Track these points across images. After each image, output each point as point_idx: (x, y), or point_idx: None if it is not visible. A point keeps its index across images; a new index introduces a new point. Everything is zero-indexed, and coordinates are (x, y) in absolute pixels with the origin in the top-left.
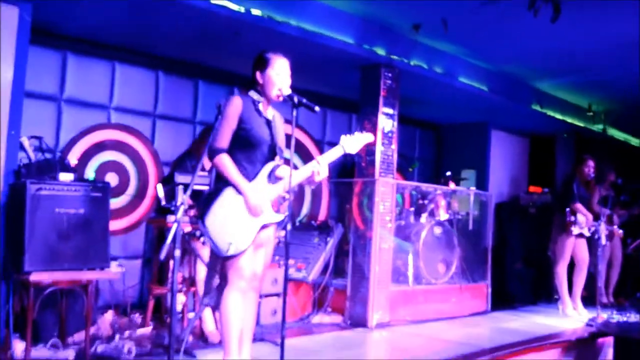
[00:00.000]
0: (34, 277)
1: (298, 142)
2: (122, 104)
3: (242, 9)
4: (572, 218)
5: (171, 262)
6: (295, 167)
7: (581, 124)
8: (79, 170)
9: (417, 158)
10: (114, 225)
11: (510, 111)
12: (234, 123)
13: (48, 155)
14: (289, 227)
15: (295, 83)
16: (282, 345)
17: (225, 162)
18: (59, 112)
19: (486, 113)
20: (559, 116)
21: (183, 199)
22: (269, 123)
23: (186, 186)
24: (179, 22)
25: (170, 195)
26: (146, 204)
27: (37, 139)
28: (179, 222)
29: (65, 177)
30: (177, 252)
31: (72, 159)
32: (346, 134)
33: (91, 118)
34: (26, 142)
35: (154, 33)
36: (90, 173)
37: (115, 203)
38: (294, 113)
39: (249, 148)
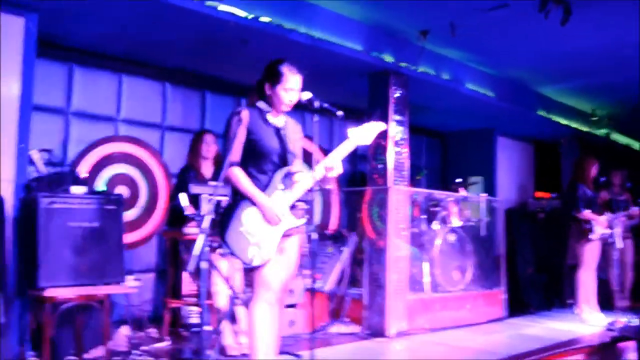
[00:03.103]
0: (49, 292)
1: (306, 151)
2: (130, 116)
3: (251, 16)
4: (588, 225)
5: (185, 274)
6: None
7: (585, 129)
8: (89, 184)
9: (424, 166)
10: (127, 238)
11: (516, 117)
12: (242, 135)
13: (58, 169)
14: (314, 236)
15: (304, 91)
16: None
17: (237, 174)
18: (66, 125)
19: (492, 119)
20: (563, 121)
21: (208, 208)
22: (278, 131)
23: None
24: (185, 31)
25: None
26: (157, 216)
27: (47, 152)
28: (206, 233)
29: (78, 189)
30: (205, 265)
31: (82, 172)
32: None
33: (99, 131)
34: (36, 156)
35: (160, 43)
36: (100, 186)
37: (126, 216)
38: (315, 118)
39: (259, 158)
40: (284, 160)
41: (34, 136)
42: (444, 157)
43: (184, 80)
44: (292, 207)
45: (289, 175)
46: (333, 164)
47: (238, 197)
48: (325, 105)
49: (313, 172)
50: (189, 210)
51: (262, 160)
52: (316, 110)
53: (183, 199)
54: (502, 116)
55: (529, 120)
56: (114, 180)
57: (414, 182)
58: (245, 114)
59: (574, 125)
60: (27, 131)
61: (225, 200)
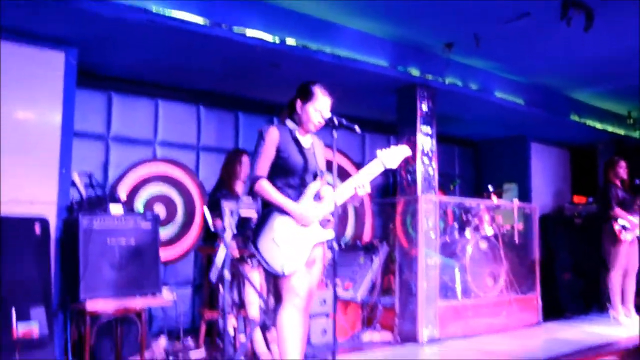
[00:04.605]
0: (90, 305)
1: (339, 166)
2: (167, 139)
3: (277, 40)
4: (619, 226)
5: (220, 286)
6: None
7: (621, 132)
8: (128, 204)
9: (457, 175)
10: (165, 254)
11: (548, 123)
12: (271, 152)
13: (98, 191)
14: (335, 246)
15: (333, 108)
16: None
17: (265, 187)
18: (106, 149)
19: (524, 126)
20: (598, 125)
21: (230, 222)
22: (304, 151)
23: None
24: (217, 57)
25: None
26: (194, 233)
27: (87, 175)
28: (227, 244)
29: (115, 210)
30: (227, 274)
31: (122, 193)
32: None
33: (137, 154)
34: (77, 179)
35: (193, 69)
36: (139, 206)
37: (164, 233)
38: (335, 135)
39: (287, 174)
40: (310, 176)
41: (77, 161)
42: (477, 166)
43: (217, 102)
44: (321, 220)
45: (319, 191)
46: (362, 182)
47: (269, 209)
48: (344, 121)
49: (341, 189)
50: (217, 225)
51: (290, 175)
52: (336, 126)
53: (207, 213)
54: (534, 122)
55: (562, 126)
56: (152, 200)
57: (447, 192)
58: (275, 132)
59: (609, 129)
60: (69, 157)
61: (250, 213)
